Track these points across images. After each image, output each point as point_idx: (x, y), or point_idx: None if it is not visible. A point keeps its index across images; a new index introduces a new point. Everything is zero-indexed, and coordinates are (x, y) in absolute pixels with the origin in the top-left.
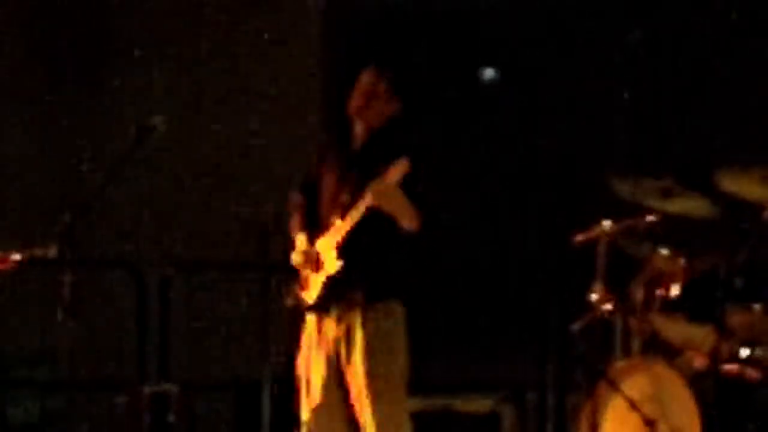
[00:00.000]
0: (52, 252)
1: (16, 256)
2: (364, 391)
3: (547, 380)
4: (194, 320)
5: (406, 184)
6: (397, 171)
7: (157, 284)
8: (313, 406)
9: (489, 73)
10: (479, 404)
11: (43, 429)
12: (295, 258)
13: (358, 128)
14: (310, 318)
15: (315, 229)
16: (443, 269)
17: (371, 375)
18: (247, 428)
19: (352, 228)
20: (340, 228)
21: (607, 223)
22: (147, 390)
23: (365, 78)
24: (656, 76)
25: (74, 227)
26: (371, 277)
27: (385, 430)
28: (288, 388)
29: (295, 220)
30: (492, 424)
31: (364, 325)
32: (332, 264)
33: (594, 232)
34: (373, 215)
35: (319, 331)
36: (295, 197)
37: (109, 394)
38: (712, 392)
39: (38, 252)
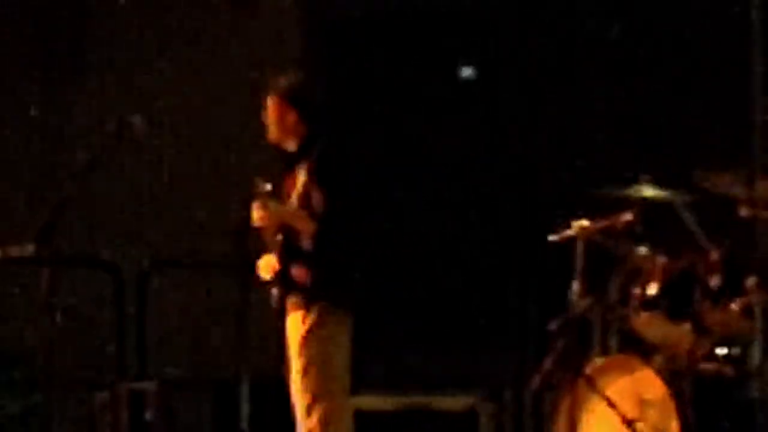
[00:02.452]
0: (29, 250)
1: None
2: (298, 391)
3: (524, 378)
4: (172, 317)
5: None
6: (259, 192)
7: (134, 281)
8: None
9: (467, 71)
10: (457, 402)
11: (22, 427)
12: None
13: (288, 147)
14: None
15: None
16: (421, 267)
17: (302, 374)
18: (225, 425)
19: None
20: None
21: (584, 222)
22: (125, 387)
23: (269, 110)
24: (637, 73)
25: (52, 225)
26: (301, 281)
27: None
28: (269, 385)
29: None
30: (470, 422)
31: (291, 321)
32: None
33: (572, 231)
34: (283, 229)
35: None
36: None
37: (88, 392)
38: (690, 390)
39: (15, 251)
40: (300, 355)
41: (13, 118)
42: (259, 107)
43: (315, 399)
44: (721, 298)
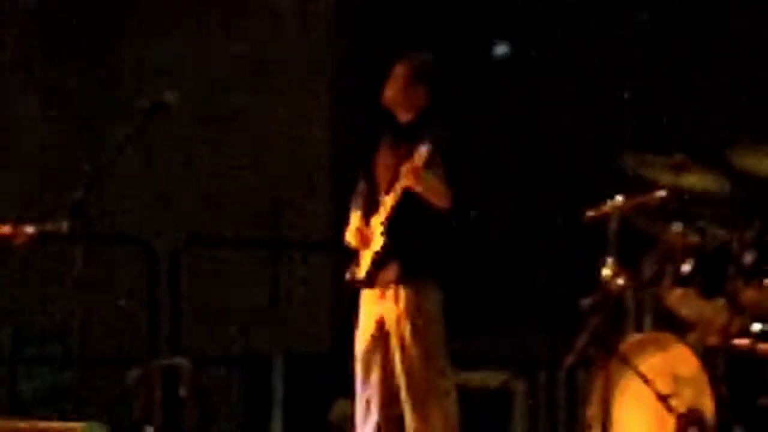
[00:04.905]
0: (64, 227)
1: (29, 231)
2: (403, 369)
3: (557, 356)
4: (205, 294)
5: (439, 164)
6: (421, 154)
7: (168, 258)
8: (361, 379)
9: (502, 48)
10: (491, 380)
11: (55, 404)
12: (348, 236)
13: (400, 115)
14: (364, 292)
15: (371, 211)
16: (454, 247)
17: (409, 349)
18: (258, 402)
19: (392, 208)
20: (385, 207)
21: (618, 199)
22: (158, 364)
23: (395, 69)
24: (668, 52)
25: (86, 202)
26: (407, 255)
27: (426, 405)
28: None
29: (357, 203)
30: (503, 400)
31: (396, 301)
32: (378, 241)
33: (605, 208)
34: (407, 196)
35: (368, 304)
36: (359, 186)
37: (121, 368)
38: (724, 367)
39: (50, 227)
40: (411, 336)
41: (49, 95)
42: (294, 82)
43: (434, 381)
44: (755, 275)
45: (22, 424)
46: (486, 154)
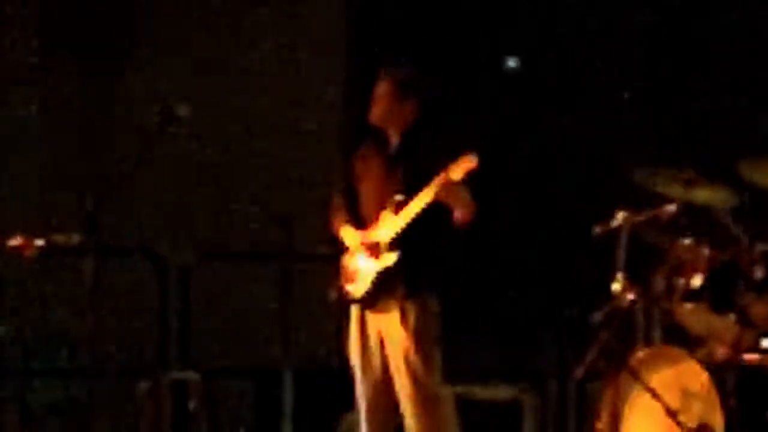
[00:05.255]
0: (75, 239)
1: (39, 243)
2: (404, 378)
3: (567, 369)
4: (215, 307)
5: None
6: (462, 166)
7: (178, 271)
8: (361, 394)
9: (511, 62)
10: (501, 392)
11: (65, 416)
12: (346, 252)
13: (390, 132)
14: (355, 309)
15: (357, 227)
16: (465, 259)
17: (410, 363)
18: (267, 416)
19: (410, 222)
20: (394, 222)
21: (628, 213)
22: (168, 377)
23: (379, 87)
24: (677, 64)
25: (97, 214)
26: (415, 270)
27: (433, 415)
28: (312, 374)
29: (339, 220)
30: (514, 413)
31: (403, 317)
32: (388, 257)
33: (615, 222)
34: (431, 209)
35: (363, 322)
36: (337, 199)
37: (131, 381)
38: (734, 382)
39: (60, 239)
40: (416, 350)
41: (59, 106)
42: (305, 93)
43: (437, 391)
44: (765, 289)
45: None
46: (494, 165)
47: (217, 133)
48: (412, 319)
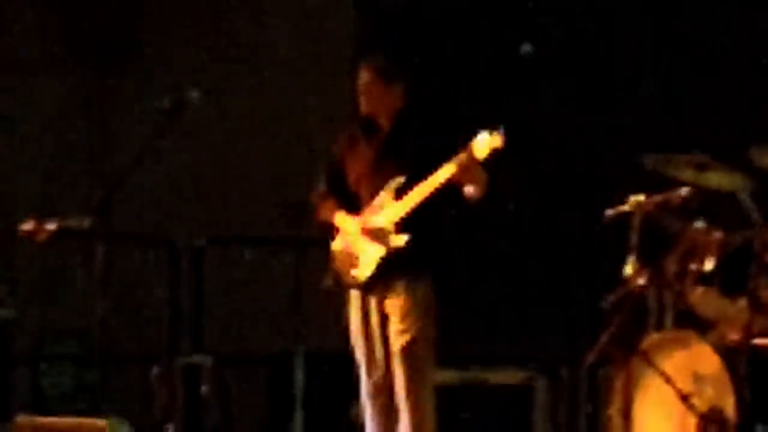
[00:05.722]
0: (86, 223)
1: (51, 227)
2: (398, 356)
3: (579, 354)
4: (227, 293)
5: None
6: (488, 144)
7: (190, 257)
8: (365, 378)
9: (526, 47)
10: (513, 377)
11: (77, 402)
12: (345, 237)
13: (380, 118)
14: (355, 294)
15: (350, 209)
16: (477, 244)
17: (404, 341)
18: (279, 401)
19: (421, 203)
20: (399, 205)
21: (640, 197)
22: (180, 362)
23: (362, 78)
24: (689, 49)
25: (108, 200)
26: (420, 253)
27: (413, 397)
28: (324, 359)
29: (328, 207)
30: (526, 397)
31: (402, 297)
32: (395, 240)
33: (627, 207)
34: (444, 189)
35: (364, 308)
36: (321, 187)
37: (143, 366)
38: (746, 366)
39: (72, 223)
40: (405, 331)
41: (69, 94)
42: (313, 81)
43: (425, 370)
44: None
45: (45, 422)
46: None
47: (231, 118)
48: (419, 296)
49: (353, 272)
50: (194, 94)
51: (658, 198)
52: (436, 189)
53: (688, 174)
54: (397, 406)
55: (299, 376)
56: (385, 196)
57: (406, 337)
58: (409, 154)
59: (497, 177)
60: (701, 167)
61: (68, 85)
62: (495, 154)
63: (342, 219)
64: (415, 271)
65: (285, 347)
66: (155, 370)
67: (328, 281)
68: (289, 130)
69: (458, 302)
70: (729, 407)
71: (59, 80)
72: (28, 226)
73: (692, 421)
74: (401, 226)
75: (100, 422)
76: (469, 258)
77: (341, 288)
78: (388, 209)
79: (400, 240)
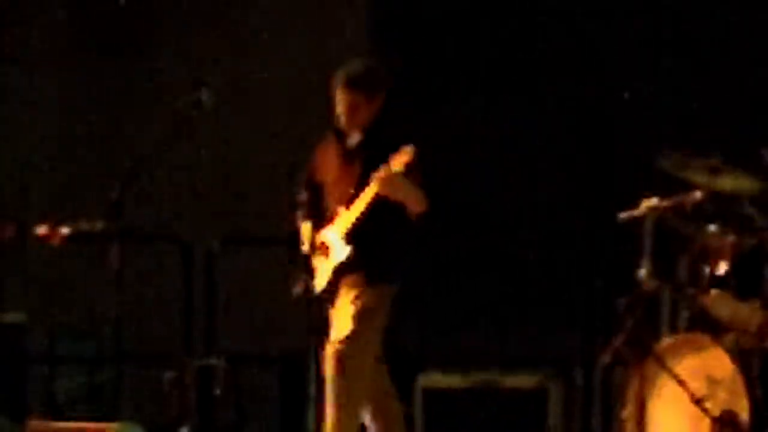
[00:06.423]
0: (99, 226)
1: (65, 230)
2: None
3: (593, 357)
4: (241, 294)
5: (415, 169)
6: (400, 159)
7: (203, 258)
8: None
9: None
10: (527, 380)
11: (90, 404)
12: (305, 248)
13: (352, 129)
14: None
15: (321, 221)
16: (489, 245)
17: (346, 340)
18: (293, 402)
19: (360, 217)
20: (346, 217)
21: (654, 200)
22: (193, 364)
23: (338, 96)
24: (702, 52)
25: (121, 201)
26: (372, 261)
27: (391, 403)
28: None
29: (303, 213)
30: (539, 400)
31: (347, 304)
32: (342, 251)
33: (641, 209)
34: (379, 203)
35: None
36: (301, 194)
37: (156, 368)
38: (759, 369)
39: (85, 226)
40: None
41: (84, 94)
42: (325, 81)
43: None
44: None
45: (58, 426)
46: (524, 149)
47: (243, 118)
48: (364, 299)
49: (315, 282)
50: (204, 94)
51: (670, 201)
52: (369, 203)
53: (701, 177)
54: (387, 407)
55: (312, 376)
56: (341, 207)
57: (340, 337)
58: (371, 165)
59: (509, 176)
60: (714, 170)
61: (80, 83)
62: (410, 167)
63: (305, 230)
64: (368, 280)
65: (298, 347)
66: (169, 372)
67: (297, 290)
68: (305, 128)
69: (469, 303)
70: (742, 410)
71: (71, 78)
72: (42, 230)
73: (706, 424)
74: (348, 238)
75: (113, 425)
76: (484, 260)
77: (309, 295)
78: (341, 220)
79: (344, 253)
